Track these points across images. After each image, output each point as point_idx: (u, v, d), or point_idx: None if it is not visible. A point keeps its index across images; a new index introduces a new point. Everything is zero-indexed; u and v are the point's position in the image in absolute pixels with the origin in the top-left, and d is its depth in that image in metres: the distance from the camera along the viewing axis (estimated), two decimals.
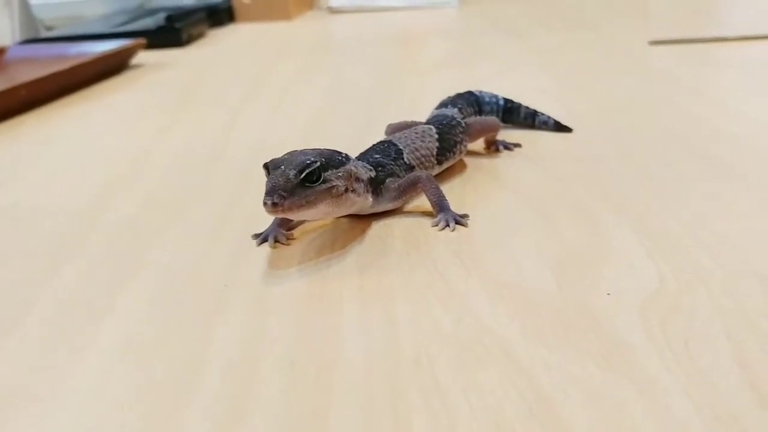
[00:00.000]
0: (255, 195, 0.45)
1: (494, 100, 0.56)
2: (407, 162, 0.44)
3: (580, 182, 0.46)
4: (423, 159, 0.45)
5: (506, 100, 0.57)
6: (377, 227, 0.41)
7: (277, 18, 1.32)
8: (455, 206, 0.42)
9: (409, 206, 0.44)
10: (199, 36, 1.20)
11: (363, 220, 0.42)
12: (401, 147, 0.45)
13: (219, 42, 1.16)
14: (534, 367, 0.28)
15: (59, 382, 0.29)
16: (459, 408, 0.26)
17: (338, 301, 0.33)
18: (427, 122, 0.49)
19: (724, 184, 0.44)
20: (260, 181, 0.37)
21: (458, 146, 0.48)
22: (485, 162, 0.51)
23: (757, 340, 0.28)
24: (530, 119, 0.57)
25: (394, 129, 0.51)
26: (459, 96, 0.55)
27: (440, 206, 0.42)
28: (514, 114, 0.57)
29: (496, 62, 0.83)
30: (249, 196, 0.47)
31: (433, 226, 0.41)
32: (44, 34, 1.39)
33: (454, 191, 0.45)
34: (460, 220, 0.41)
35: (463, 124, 0.49)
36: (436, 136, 0.46)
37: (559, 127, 0.56)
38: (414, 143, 0.45)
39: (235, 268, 0.38)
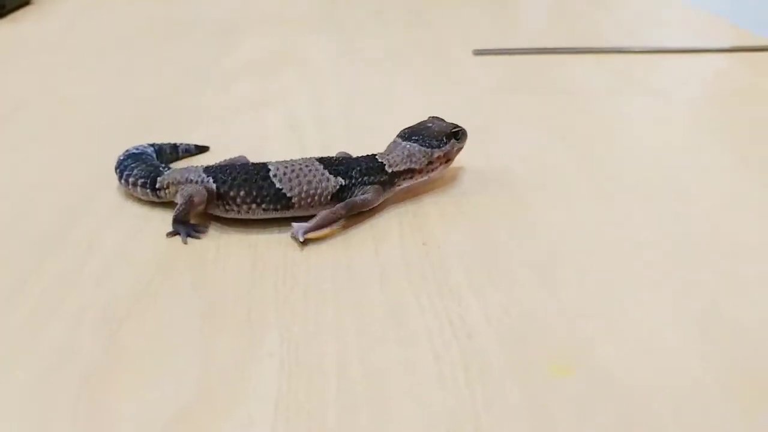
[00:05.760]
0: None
1: (150, 149, 0.54)
2: None
3: (274, 274, 0.41)
4: None
5: (152, 145, 0.54)
6: None
7: None
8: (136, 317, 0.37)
9: None
10: (24, 3, 1.09)
11: None
12: None
13: (42, 15, 1.04)
14: None
15: None
16: None
17: None
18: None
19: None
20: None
21: None
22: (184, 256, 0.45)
23: None
24: (175, 153, 0.56)
25: None
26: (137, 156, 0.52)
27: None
28: (163, 154, 0.55)
29: (303, 71, 0.78)
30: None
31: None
32: None
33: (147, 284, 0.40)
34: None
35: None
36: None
37: (200, 149, 0.57)
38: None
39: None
